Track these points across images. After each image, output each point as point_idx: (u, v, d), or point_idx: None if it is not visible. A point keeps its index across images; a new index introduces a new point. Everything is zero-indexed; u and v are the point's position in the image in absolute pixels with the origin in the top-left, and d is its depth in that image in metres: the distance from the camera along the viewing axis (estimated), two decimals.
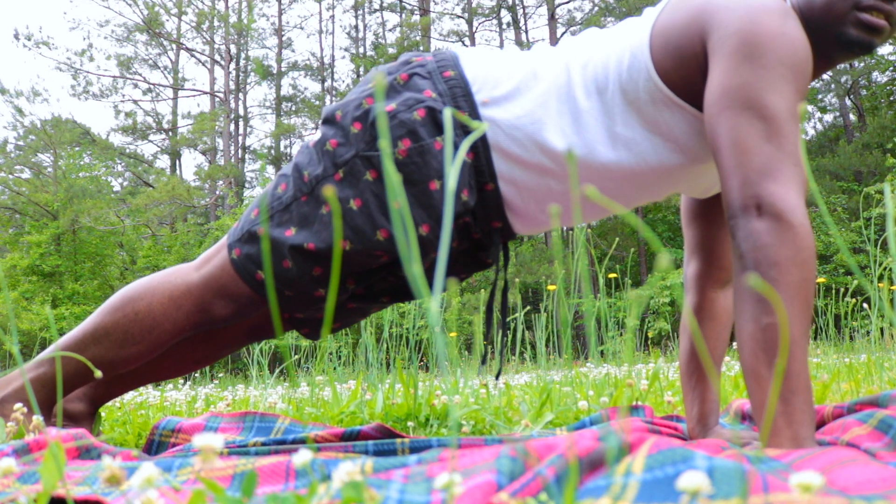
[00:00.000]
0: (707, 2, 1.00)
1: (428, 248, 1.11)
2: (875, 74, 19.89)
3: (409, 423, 1.72)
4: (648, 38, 1.04)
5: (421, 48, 21.00)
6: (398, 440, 1.26)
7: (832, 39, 1.04)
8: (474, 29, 22.04)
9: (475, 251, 1.23)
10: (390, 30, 24.22)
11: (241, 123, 23.69)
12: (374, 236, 1.08)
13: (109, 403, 1.79)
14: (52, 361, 1.21)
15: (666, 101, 1.03)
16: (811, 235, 0.86)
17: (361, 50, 24.24)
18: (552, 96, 1.08)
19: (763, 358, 0.84)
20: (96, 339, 1.19)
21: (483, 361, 1.29)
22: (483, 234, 1.17)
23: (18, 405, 1.12)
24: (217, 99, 22.63)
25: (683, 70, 1.01)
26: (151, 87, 23.53)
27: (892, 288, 2.62)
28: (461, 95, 1.09)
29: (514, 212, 1.14)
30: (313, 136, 1.17)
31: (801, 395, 0.82)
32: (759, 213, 0.87)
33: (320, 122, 1.17)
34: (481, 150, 1.09)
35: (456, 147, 1.08)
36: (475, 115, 1.09)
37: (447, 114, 0.43)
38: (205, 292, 1.18)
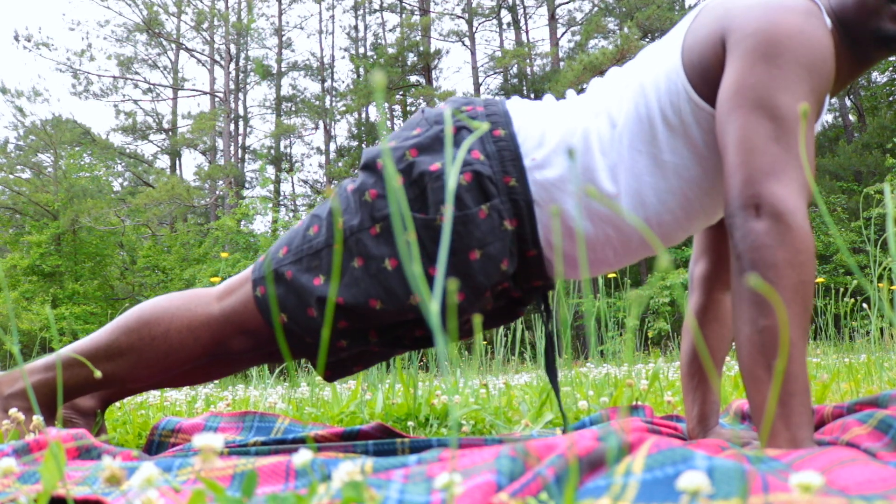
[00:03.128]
0: (727, 10, 0.99)
1: (461, 314, 1.09)
2: (875, 74, 19.89)
3: (409, 423, 1.72)
4: (680, 59, 1.02)
5: (421, 48, 21.01)
6: (398, 440, 1.26)
7: (869, 36, 1.02)
8: (474, 29, 22.04)
9: (512, 306, 1.20)
10: (390, 30, 24.23)
11: (241, 123, 23.69)
12: (406, 300, 1.05)
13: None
14: (62, 366, 1.19)
15: (710, 120, 1.01)
16: (811, 238, 0.85)
17: (361, 50, 24.24)
18: (594, 141, 1.06)
19: (760, 360, 0.84)
20: (109, 356, 1.17)
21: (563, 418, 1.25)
22: (522, 293, 1.14)
23: (13, 410, 1.11)
24: (217, 99, 22.63)
25: (715, 83, 0.99)
26: (151, 87, 23.53)
27: (891, 288, 2.62)
28: (510, 160, 1.05)
29: (570, 264, 1.11)
30: (351, 181, 1.12)
31: (799, 397, 0.82)
32: (758, 213, 0.86)
33: (359, 166, 1.11)
34: (526, 217, 1.05)
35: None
36: (524, 181, 1.04)
37: (447, 114, 0.43)
38: (224, 326, 1.15)
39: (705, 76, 0.99)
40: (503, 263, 1.05)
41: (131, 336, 1.16)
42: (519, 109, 1.12)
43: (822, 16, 0.96)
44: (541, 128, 1.08)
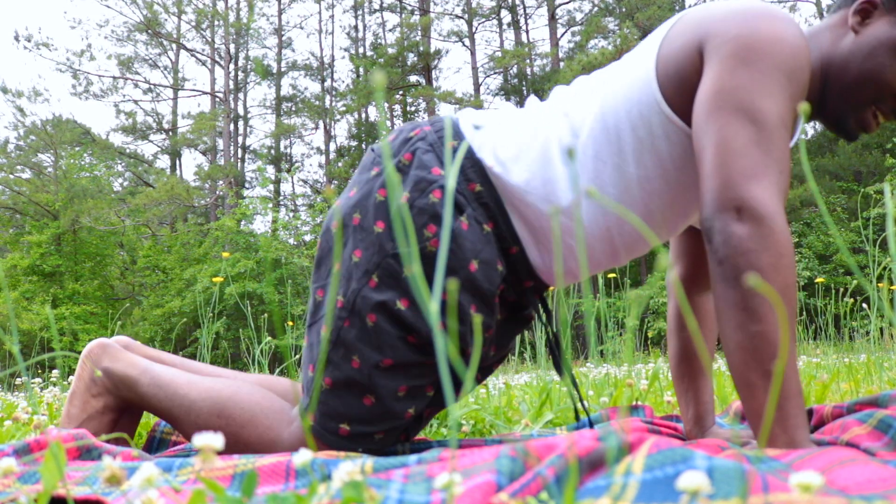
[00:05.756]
0: (704, 17, 0.98)
1: (486, 330, 1.07)
2: None
3: None
4: (654, 70, 1.00)
5: (420, 48, 21.00)
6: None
7: (830, 114, 1.04)
8: (474, 29, 22.03)
9: (515, 313, 1.18)
10: (390, 30, 24.23)
11: (241, 123, 23.69)
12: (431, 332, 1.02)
13: None
14: (114, 392, 1.19)
15: (680, 133, 1.00)
16: (791, 241, 0.85)
17: (361, 50, 24.24)
18: (554, 151, 1.04)
19: (754, 366, 0.83)
20: (185, 410, 1.13)
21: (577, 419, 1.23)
22: (517, 296, 1.13)
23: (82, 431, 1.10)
24: (217, 99, 22.63)
25: (689, 94, 0.98)
26: (151, 87, 23.53)
27: (891, 288, 2.62)
28: (470, 167, 1.05)
29: (541, 271, 1.10)
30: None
31: (793, 400, 0.82)
32: (739, 217, 0.84)
33: (335, 229, 1.08)
34: (499, 217, 1.05)
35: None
36: (488, 184, 1.04)
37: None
38: (288, 450, 1.10)
39: (680, 86, 0.98)
40: (498, 265, 1.04)
41: (211, 417, 1.12)
42: (470, 119, 1.11)
43: (800, 28, 0.95)
44: (497, 135, 1.08)
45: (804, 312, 3.48)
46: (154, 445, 1.39)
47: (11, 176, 20.60)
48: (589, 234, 1.06)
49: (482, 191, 1.04)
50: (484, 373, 1.22)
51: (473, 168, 1.05)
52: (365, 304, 1.03)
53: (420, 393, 1.07)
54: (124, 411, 1.23)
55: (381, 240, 1.03)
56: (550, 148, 1.04)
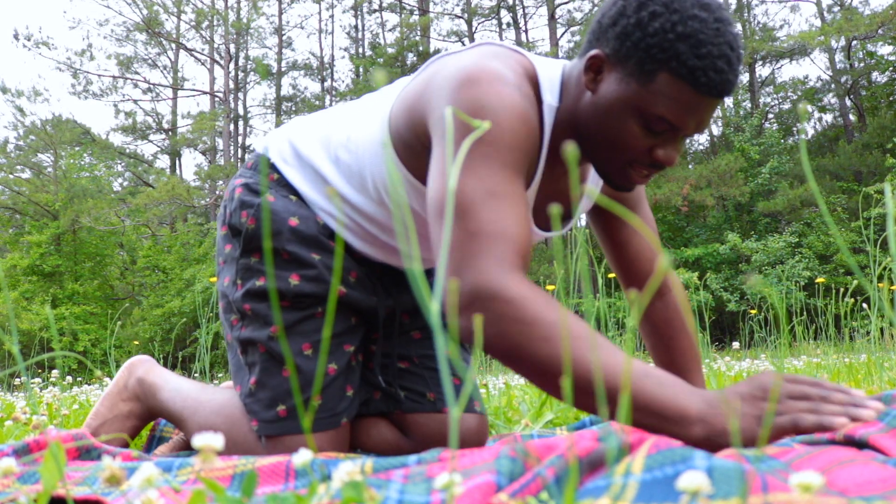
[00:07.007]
0: (429, 83, 0.96)
1: (348, 272, 1.15)
2: (875, 74, 19.87)
3: None
4: (388, 118, 1.05)
5: (420, 48, 21.01)
6: None
7: (596, 168, 1.01)
8: (474, 29, 22.03)
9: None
10: (390, 30, 24.24)
11: (240, 123, 23.70)
12: (291, 287, 1.11)
13: None
14: (141, 399, 1.30)
15: (407, 184, 1.05)
16: (536, 291, 0.78)
17: (361, 50, 24.24)
18: (326, 170, 1.13)
19: (591, 395, 0.74)
20: (191, 411, 1.21)
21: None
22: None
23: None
24: (217, 99, 22.63)
25: (414, 155, 1.01)
26: (151, 86, 23.54)
27: (891, 288, 2.63)
28: (265, 166, 1.18)
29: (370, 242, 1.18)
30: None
31: (651, 385, 0.73)
32: (475, 308, 0.78)
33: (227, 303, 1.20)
34: (299, 194, 1.16)
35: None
36: (281, 177, 1.16)
37: (448, 113, 0.43)
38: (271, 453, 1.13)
39: (406, 148, 1.02)
40: (317, 218, 1.14)
41: (212, 410, 1.20)
42: (271, 137, 1.23)
43: (518, 86, 0.91)
44: (282, 139, 1.20)
45: (804, 312, 3.48)
46: (154, 444, 1.40)
47: (11, 176, 20.62)
48: (354, 233, 1.15)
49: (279, 178, 1.17)
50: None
51: (270, 167, 1.19)
52: (239, 304, 1.15)
53: (336, 349, 1.13)
54: (147, 421, 1.32)
55: (231, 255, 1.17)
56: (322, 167, 1.14)
